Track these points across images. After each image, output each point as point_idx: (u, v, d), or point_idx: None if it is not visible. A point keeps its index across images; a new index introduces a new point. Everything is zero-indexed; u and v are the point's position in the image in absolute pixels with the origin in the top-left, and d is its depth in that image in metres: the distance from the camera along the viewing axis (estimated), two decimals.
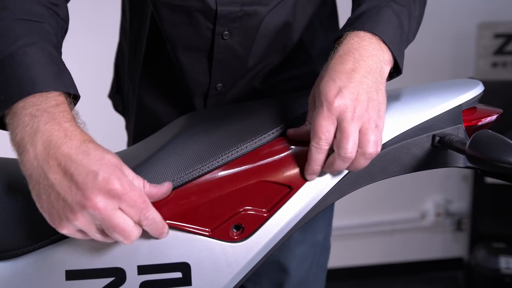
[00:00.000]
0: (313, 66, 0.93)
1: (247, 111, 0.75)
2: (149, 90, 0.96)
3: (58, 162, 0.55)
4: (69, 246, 0.64)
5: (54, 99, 0.58)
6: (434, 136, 0.69)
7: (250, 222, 0.65)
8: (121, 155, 0.70)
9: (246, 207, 0.65)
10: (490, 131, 0.62)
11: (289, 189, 0.66)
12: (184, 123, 0.74)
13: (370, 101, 0.61)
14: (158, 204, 0.61)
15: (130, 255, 0.64)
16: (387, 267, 2.42)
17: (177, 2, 0.78)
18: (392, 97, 0.73)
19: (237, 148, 0.66)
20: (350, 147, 0.60)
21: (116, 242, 0.62)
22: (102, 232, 0.57)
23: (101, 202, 0.54)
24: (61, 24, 0.69)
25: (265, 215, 0.65)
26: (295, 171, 0.66)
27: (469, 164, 0.70)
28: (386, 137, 0.69)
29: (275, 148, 0.67)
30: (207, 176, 0.65)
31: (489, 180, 2.09)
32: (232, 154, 0.66)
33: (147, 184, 0.60)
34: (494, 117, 0.75)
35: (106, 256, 0.64)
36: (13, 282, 0.64)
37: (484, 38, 2.08)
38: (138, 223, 0.57)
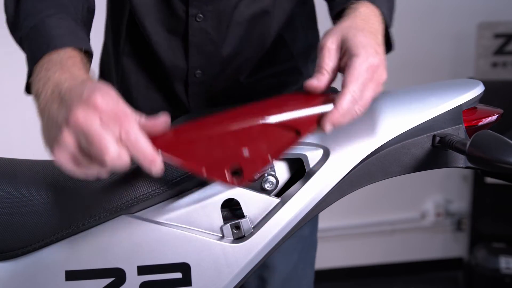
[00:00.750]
0: (296, 63, 0.97)
1: None
2: (133, 76, 0.98)
3: (59, 96, 0.59)
4: (69, 246, 0.64)
5: (66, 54, 0.65)
6: (434, 136, 0.69)
7: (250, 166, 0.61)
8: None
9: (248, 149, 0.61)
10: (491, 131, 0.62)
11: (296, 134, 0.62)
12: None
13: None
14: (154, 137, 0.58)
15: (130, 255, 0.64)
16: (387, 267, 2.42)
17: None
18: (392, 97, 0.73)
19: None
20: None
21: (116, 242, 0.62)
22: (89, 156, 0.56)
23: (81, 113, 0.55)
24: (82, 2, 0.76)
25: (268, 160, 0.61)
26: (305, 113, 0.63)
27: (469, 164, 0.69)
28: (386, 137, 0.69)
29: (283, 96, 0.67)
30: (209, 118, 0.62)
31: (489, 180, 2.09)
32: None
33: (142, 117, 0.59)
34: (494, 117, 0.75)
35: (106, 257, 0.64)
36: (13, 282, 0.64)
37: (484, 38, 2.08)
38: (119, 139, 0.55)
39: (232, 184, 0.61)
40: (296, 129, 0.62)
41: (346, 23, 0.68)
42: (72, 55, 0.65)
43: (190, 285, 0.65)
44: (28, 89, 0.66)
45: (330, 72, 0.65)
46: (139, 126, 0.57)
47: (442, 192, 2.39)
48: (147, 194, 0.64)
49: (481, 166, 0.62)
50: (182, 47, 0.89)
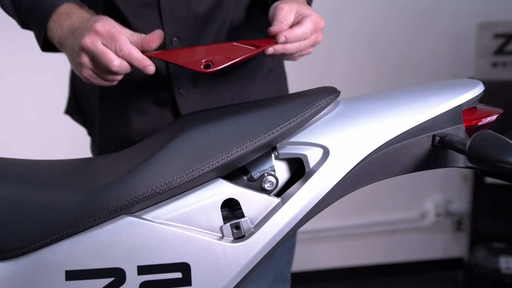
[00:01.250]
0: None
1: (242, 112, 0.74)
2: None
3: (73, 32, 0.81)
4: (69, 246, 0.64)
5: (69, 6, 0.85)
6: (434, 136, 0.69)
7: (219, 61, 0.79)
8: (116, 158, 0.70)
9: (219, 55, 0.81)
10: (491, 131, 0.62)
11: (256, 48, 0.81)
12: (181, 124, 0.74)
13: None
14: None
15: (130, 255, 0.64)
16: (387, 267, 2.42)
17: None
18: (392, 97, 0.73)
19: (238, 148, 0.66)
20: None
21: (116, 242, 0.62)
22: (102, 68, 0.79)
23: (87, 40, 0.77)
24: None
25: (233, 58, 0.80)
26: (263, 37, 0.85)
27: (469, 164, 0.70)
28: (386, 137, 0.69)
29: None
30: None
31: (489, 180, 2.09)
32: (232, 154, 0.66)
33: (139, 34, 0.81)
34: (494, 117, 0.75)
35: (106, 257, 0.64)
36: (13, 282, 0.64)
37: (484, 38, 2.08)
38: (117, 54, 0.77)
39: (202, 71, 0.79)
40: (256, 45, 0.82)
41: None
42: (73, 6, 0.85)
43: (190, 285, 0.65)
44: (45, 48, 0.89)
45: (285, 24, 0.83)
46: (132, 41, 0.80)
47: (442, 192, 2.39)
48: (147, 194, 0.64)
49: (481, 166, 0.62)
50: (157, 18, 0.93)
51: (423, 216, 2.38)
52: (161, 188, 0.65)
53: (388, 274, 2.42)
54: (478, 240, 2.19)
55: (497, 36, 2.07)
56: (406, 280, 2.40)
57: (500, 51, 2.08)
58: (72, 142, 1.68)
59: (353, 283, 2.37)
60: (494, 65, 2.08)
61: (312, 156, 0.68)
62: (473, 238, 2.21)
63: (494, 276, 2.06)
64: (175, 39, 0.93)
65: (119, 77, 0.81)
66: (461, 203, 2.36)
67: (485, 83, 0.76)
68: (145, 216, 0.66)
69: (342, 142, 0.68)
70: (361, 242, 2.36)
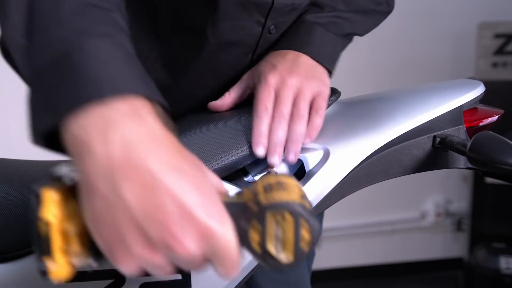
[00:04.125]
0: None
1: (241, 114, 0.74)
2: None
3: (140, 176, 0.40)
4: None
5: (137, 101, 0.43)
6: (435, 137, 0.69)
7: None
8: None
9: None
10: (491, 132, 0.62)
11: None
12: (178, 127, 0.74)
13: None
14: None
15: None
16: (387, 267, 2.42)
17: None
18: (393, 98, 0.73)
19: (238, 150, 0.66)
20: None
21: None
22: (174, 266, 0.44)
23: (192, 246, 0.41)
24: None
25: None
26: None
27: (470, 165, 0.69)
28: (387, 138, 0.68)
29: None
30: None
31: (489, 180, 2.09)
32: (232, 156, 0.66)
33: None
34: (495, 118, 0.74)
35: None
36: (12, 284, 0.64)
37: (484, 38, 2.08)
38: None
39: None
40: None
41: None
42: (145, 104, 0.43)
43: (190, 286, 0.65)
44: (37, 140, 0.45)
45: (232, 97, 0.74)
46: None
47: (442, 192, 2.39)
48: None
49: (482, 167, 0.62)
50: (248, 59, 0.79)
51: (423, 216, 2.38)
52: None
53: (388, 274, 2.42)
54: (478, 240, 2.19)
55: (497, 36, 2.07)
56: (406, 280, 2.40)
57: (500, 51, 2.08)
58: None
59: (353, 283, 2.37)
60: (494, 65, 2.08)
61: (312, 157, 0.68)
62: (473, 238, 2.21)
63: (494, 276, 2.06)
64: (272, 27, 0.77)
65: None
66: (461, 203, 2.36)
67: (485, 83, 0.76)
68: None
69: (343, 143, 0.68)
70: (361, 242, 2.36)
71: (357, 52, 2.38)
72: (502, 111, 0.75)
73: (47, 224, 0.42)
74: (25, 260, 0.64)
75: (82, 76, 0.42)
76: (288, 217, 0.41)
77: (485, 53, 2.08)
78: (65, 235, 0.43)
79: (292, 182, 0.45)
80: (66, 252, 0.44)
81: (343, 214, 2.27)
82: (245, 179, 0.70)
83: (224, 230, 0.41)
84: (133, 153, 0.40)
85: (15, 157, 0.75)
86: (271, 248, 0.43)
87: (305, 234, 0.42)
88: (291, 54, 0.72)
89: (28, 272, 0.64)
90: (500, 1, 2.24)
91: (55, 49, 0.43)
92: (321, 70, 0.73)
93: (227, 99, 0.74)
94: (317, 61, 0.73)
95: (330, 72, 0.75)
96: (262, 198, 0.42)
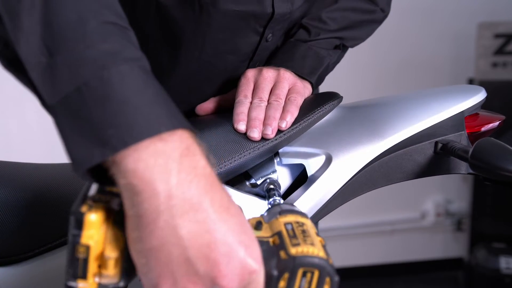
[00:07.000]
0: None
1: None
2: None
3: (197, 215, 0.41)
4: None
5: (184, 134, 0.42)
6: (436, 143, 0.69)
7: None
8: None
9: None
10: (493, 138, 0.62)
11: None
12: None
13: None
14: None
15: None
16: (387, 267, 2.42)
17: (233, 7, 0.72)
18: (394, 104, 0.73)
19: (240, 154, 0.66)
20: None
21: None
22: None
23: (235, 281, 0.42)
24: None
25: None
26: None
27: (471, 171, 0.70)
28: (389, 143, 0.69)
29: None
30: None
31: None
32: (235, 161, 0.66)
33: None
34: (496, 123, 0.75)
35: None
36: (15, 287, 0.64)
37: (484, 38, 2.08)
38: None
39: None
40: None
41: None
42: (192, 140, 0.43)
43: None
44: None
45: (215, 101, 0.77)
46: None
47: (442, 192, 2.39)
48: None
49: (483, 173, 0.62)
50: (245, 67, 0.81)
51: (423, 216, 2.39)
52: None
53: (388, 274, 2.42)
54: (478, 240, 2.19)
55: (497, 36, 2.08)
56: (406, 280, 2.40)
57: (500, 51, 2.08)
58: None
59: (353, 283, 2.37)
60: (494, 65, 2.08)
61: (315, 162, 0.68)
62: (473, 238, 2.22)
63: (494, 276, 2.06)
64: (270, 35, 0.79)
65: None
66: (461, 203, 2.36)
67: (485, 83, 0.77)
68: None
69: (345, 148, 0.68)
70: (361, 242, 2.37)
71: (357, 52, 2.37)
72: (503, 117, 0.75)
73: (87, 248, 0.42)
74: (24, 264, 0.64)
75: (130, 107, 0.41)
76: (317, 273, 0.45)
77: (485, 53, 2.08)
78: (101, 259, 0.44)
79: (309, 223, 0.49)
80: (99, 274, 0.44)
81: (343, 214, 2.27)
82: (248, 183, 0.70)
83: (261, 269, 0.44)
84: (192, 193, 0.41)
85: (15, 159, 0.75)
86: None
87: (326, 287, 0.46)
88: (272, 68, 0.74)
89: (27, 276, 0.64)
90: (500, 1, 2.24)
91: (87, 72, 0.41)
92: (301, 83, 0.75)
93: (211, 104, 0.77)
94: (298, 75, 0.75)
95: (311, 84, 0.77)
96: (292, 250, 0.45)
